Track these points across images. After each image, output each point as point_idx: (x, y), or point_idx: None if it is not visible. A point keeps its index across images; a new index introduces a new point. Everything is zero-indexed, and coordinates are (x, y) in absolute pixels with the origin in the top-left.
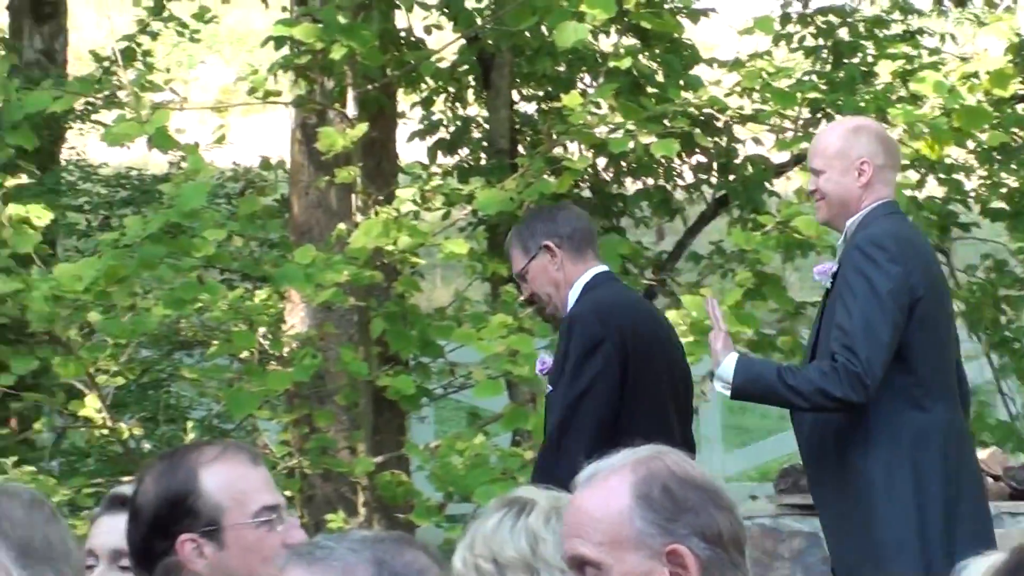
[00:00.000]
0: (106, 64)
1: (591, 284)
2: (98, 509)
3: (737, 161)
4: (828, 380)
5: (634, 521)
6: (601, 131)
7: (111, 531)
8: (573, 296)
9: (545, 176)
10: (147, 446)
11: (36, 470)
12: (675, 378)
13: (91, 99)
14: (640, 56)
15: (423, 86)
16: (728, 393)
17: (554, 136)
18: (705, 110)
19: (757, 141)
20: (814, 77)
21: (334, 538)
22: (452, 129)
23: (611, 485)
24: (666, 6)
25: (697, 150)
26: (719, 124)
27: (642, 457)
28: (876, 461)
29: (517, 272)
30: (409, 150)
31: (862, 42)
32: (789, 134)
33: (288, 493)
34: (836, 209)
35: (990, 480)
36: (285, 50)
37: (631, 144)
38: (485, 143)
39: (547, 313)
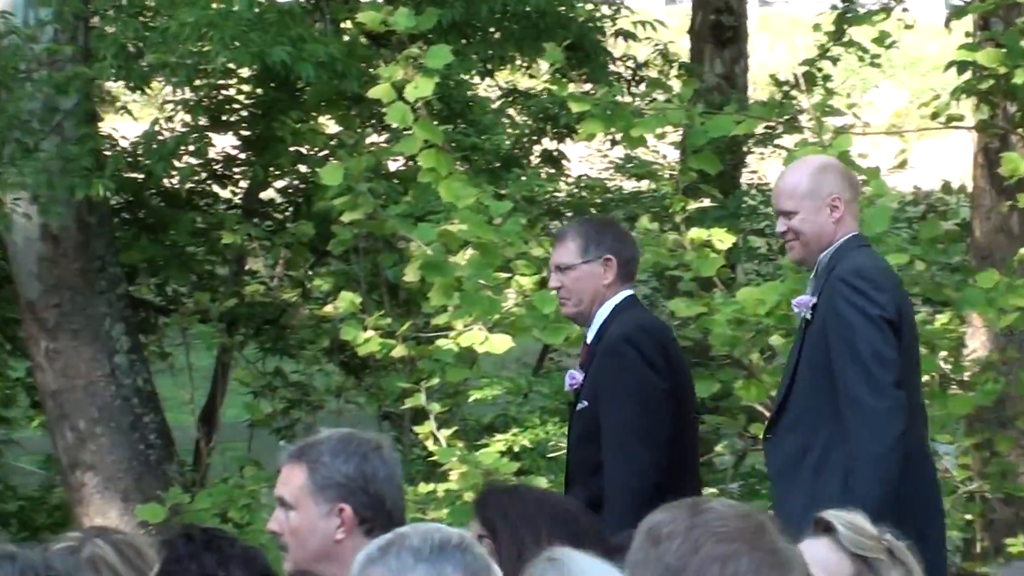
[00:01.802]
0: (785, 88)
1: (622, 306)
2: None
3: None
4: (865, 444)
5: None
6: None
7: None
8: (602, 313)
9: None
10: None
11: (717, 492)
12: (694, 404)
13: (771, 123)
14: None
15: None
16: None
17: None
18: None
19: None
20: None
21: None
22: None
23: None
24: None
25: None
26: None
27: None
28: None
29: (562, 264)
30: None
31: None
32: None
33: (968, 517)
34: (811, 247)
35: None
36: (967, 75)
37: None
38: None
39: (563, 312)
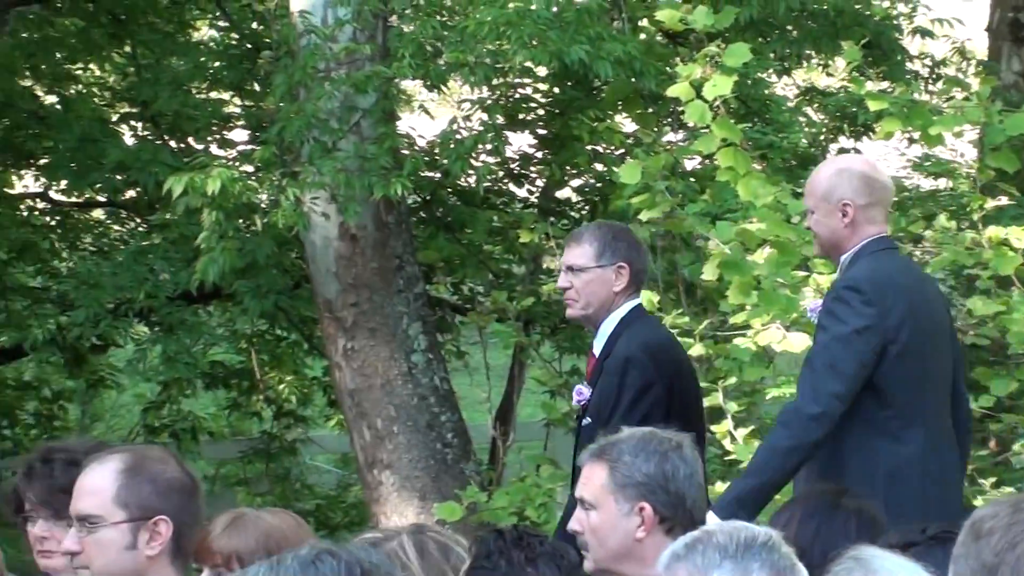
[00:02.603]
0: None
1: (628, 318)
2: None
3: None
4: (779, 437)
5: None
6: None
7: None
8: (609, 324)
9: None
10: None
11: (1015, 490)
12: (701, 412)
13: None
14: None
15: None
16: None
17: None
18: None
19: None
20: None
21: None
22: None
23: None
24: None
25: None
26: None
27: None
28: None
29: (576, 265)
30: None
31: None
32: None
33: None
34: (826, 248)
35: None
36: None
37: None
38: None
39: (568, 314)
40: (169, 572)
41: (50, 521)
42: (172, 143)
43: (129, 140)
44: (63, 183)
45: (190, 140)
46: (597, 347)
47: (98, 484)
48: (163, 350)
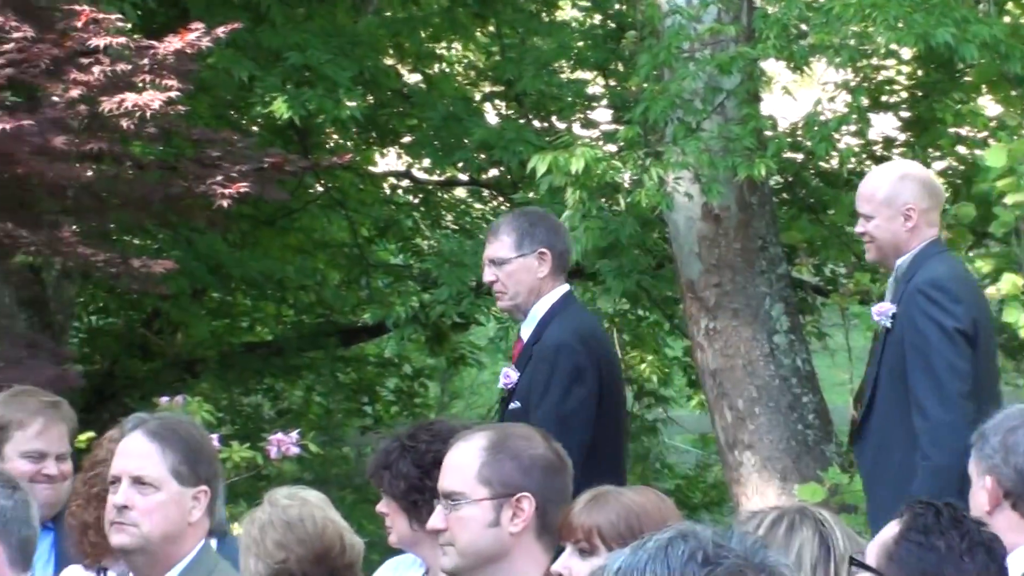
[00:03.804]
0: None
1: (559, 305)
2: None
3: None
4: (935, 458)
5: None
6: None
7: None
8: (540, 310)
9: None
10: None
11: None
12: (625, 401)
13: None
14: None
15: None
16: None
17: None
18: None
19: None
20: None
21: None
22: None
23: None
24: None
25: None
26: None
27: None
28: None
29: (497, 258)
30: None
31: None
32: None
33: None
34: (886, 251)
35: None
36: None
37: None
38: None
39: (499, 306)
40: (535, 549)
41: (384, 497)
42: (535, 122)
43: (492, 119)
44: (426, 161)
45: (553, 119)
46: (526, 332)
47: (462, 461)
48: None
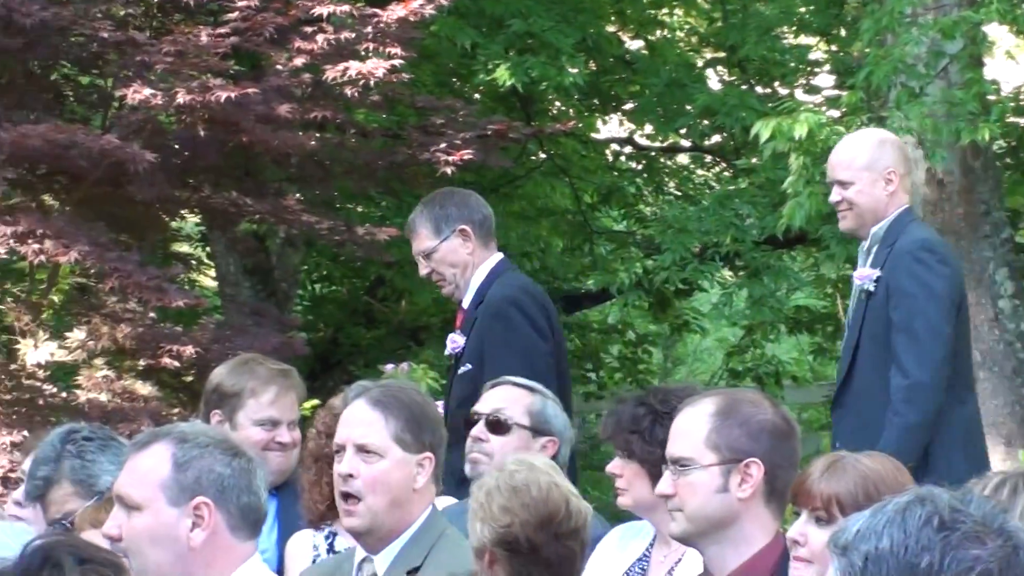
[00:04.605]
0: None
1: (498, 268)
2: None
3: None
4: (907, 414)
5: None
6: None
7: None
8: (477, 277)
9: None
10: None
11: None
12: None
13: None
14: None
15: None
16: None
17: None
18: None
19: None
20: None
21: None
22: None
23: None
24: None
25: None
26: None
27: None
28: (935, 457)
29: (423, 251)
30: None
31: None
32: None
33: None
34: (865, 218)
35: None
36: None
37: None
38: None
39: (444, 294)
40: (763, 514)
41: (623, 460)
42: (758, 88)
43: (715, 85)
44: (648, 128)
45: (776, 85)
46: (466, 301)
47: (690, 427)
48: (749, 294)
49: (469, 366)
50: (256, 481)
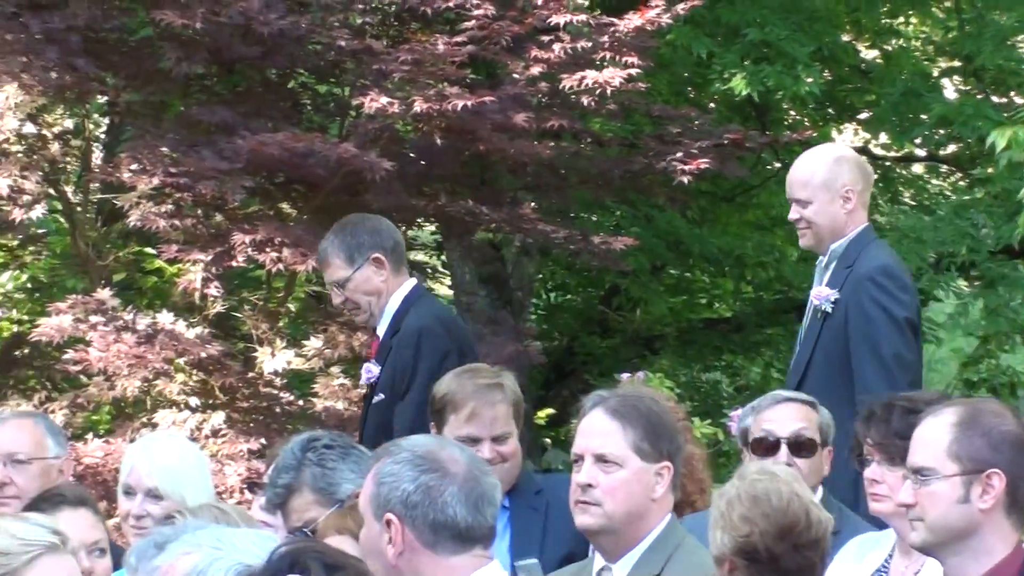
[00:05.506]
0: None
1: (411, 296)
2: None
3: None
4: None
5: None
6: None
7: None
8: (392, 305)
9: None
10: None
11: None
12: None
13: None
14: None
15: None
16: None
17: None
18: None
19: None
20: None
21: None
22: None
23: None
24: None
25: None
26: None
27: None
28: None
29: (337, 281)
30: None
31: None
32: None
33: None
34: (823, 236)
35: None
36: None
37: None
38: None
39: (359, 322)
40: (1004, 525)
41: (884, 466)
42: (994, 97)
43: (951, 95)
44: (883, 137)
45: (1012, 95)
46: (381, 330)
47: (932, 436)
48: (984, 304)
49: (382, 396)
50: (445, 497)
